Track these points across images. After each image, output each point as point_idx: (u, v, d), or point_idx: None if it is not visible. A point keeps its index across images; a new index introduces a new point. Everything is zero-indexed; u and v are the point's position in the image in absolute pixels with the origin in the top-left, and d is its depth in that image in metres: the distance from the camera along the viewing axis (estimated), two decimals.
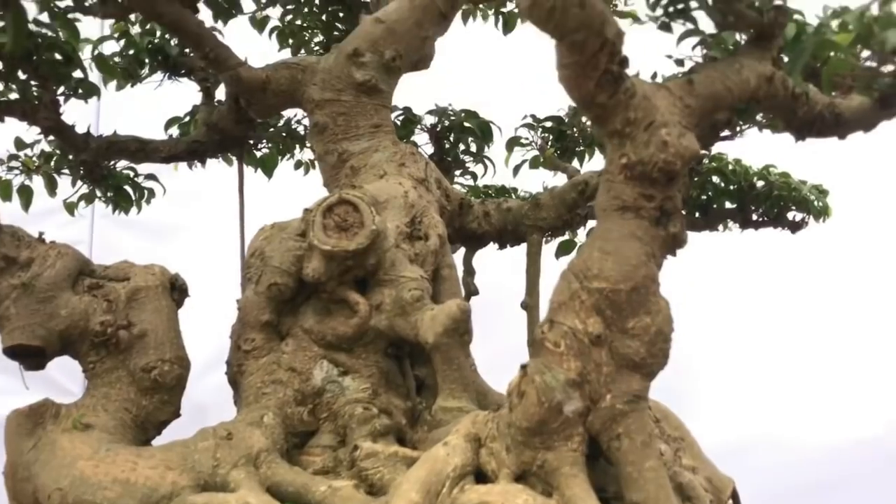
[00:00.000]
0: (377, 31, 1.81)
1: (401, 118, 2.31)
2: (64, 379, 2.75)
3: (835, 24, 1.06)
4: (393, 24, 1.82)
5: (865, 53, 1.14)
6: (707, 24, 1.40)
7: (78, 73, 1.88)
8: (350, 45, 1.80)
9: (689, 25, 1.37)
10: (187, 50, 2.18)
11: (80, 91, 1.91)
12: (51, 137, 2.01)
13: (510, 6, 2.61)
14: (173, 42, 2.16)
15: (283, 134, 2.44)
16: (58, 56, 1.80)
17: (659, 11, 1.33)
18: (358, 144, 1.80)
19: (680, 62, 1.64)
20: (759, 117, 2.04)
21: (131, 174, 2.23)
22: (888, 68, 1.03)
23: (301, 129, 2.46)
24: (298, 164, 2.54)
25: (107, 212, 2.43)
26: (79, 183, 2.17)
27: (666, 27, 1.36)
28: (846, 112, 1.25)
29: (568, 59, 1.05)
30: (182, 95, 2.36)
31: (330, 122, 1.80)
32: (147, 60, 2.18)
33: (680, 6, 1.30)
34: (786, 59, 1.23)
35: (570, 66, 1.06)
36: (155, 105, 2.48)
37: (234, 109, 1.95)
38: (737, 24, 1.23)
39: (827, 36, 1.16)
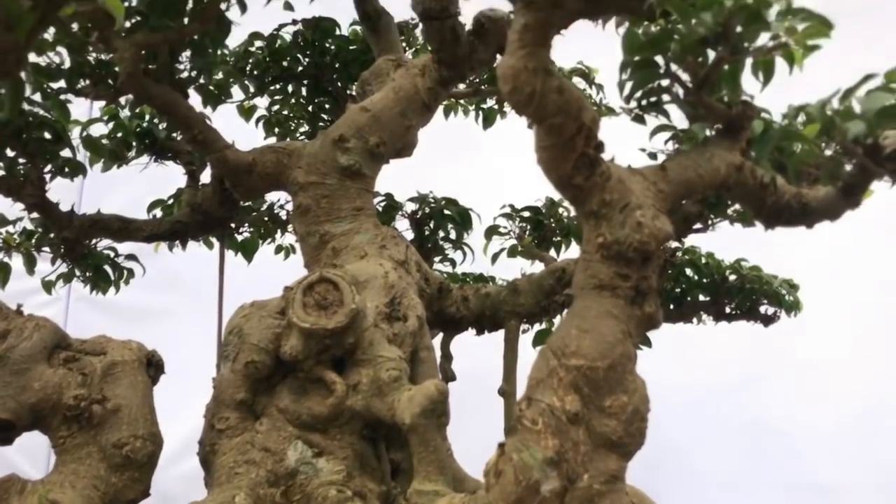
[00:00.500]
0: (363, 118, 1.88)
1: (383, 204, 2.36)
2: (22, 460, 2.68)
3: (800, 118, 1.12)
4: (378, 113, 1.89)
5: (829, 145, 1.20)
6: (679, 117, 1.47)
7: (66, 152, 1.92)
8: (336, 131, 1.86)
9: (662, 118, 1.43)
10: (174, 134, 2.23)
11: (66, 170, 1.94)
12: (34, 214, 2.03)
13: (490, 102, 2.72)
14: (161, 125, 2.21)
15: (266, 218, 2.47)
16: (47, 135, 1.84)
17: (633, 104, 1.39)
18: (340, 226, 1.83)
19: (653, 155, 1.71)
20: (729, 211, 2.12)
21: (111, 254, 2.24)
22: (850, 159, 1.08)
23: (283, 214, 2.50)
24: (279, 249, 2.57)
25: (83, 294, 2.43)
26: (58, 261, 2.17)
27: (639, 119, 1.42)
28: (813, 202, 1.30)
29: (546, 142, 1.10)
30: (165, 177, 2.40)
31: (313, 204, 1.83)
32: (134, 143, 2.23)
33: (653, 99, 1.36)
34: (753, 152, 1.29)
35: (548, 149, 1.11)
36: (138, 186, 2.51)
37: (218, 191, 1.98)
38: (707, 116, 1.29)
39: (793, 128, 1.22)
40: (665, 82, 1.32)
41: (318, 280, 1.54)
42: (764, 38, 1.26)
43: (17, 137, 1.78)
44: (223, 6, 1.63)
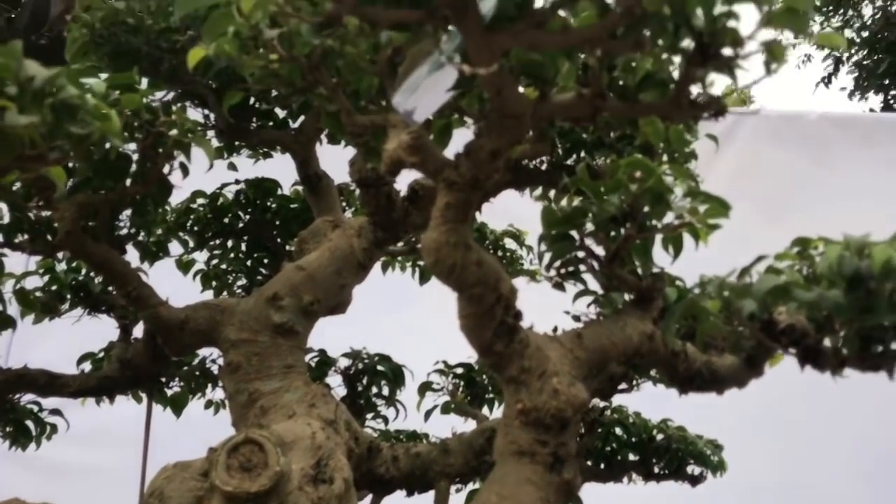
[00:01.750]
0: (297, 277, 1.92)
1: (315, 360, 2.37)
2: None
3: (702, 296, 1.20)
4: (313, 272, 1.94)
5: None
6: (596, 284, 1.55)
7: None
8: (270, 289, 1.90)
9: (580, 286, 1.52)
10: (109, 287, 2.24)
11: None
12: None
13: None
14: (97, 279, 2.23)
15: (197, 373, 2.45)
16: None
17: (552, 272, 1.47)
18: (269, 384, 1.83)
19: (577, 318, 1.78)
20: (652, 372, 2.19)
21: (34, 408, 2.19)
22: (749, 332, 1.16)
23: (215, 369, 2.49)
24: (209, 404, 2.53)
25: (2, 449, 2.34)
26: None
27: (560, 286, 1.50)
28: (721, 369, 1.37)
29: (468, 311, 1.16)
30: (94, 330, 2.38)
31: (244, 362, 1.84)
32: (68, 295, 2.23)
33: (571, 268, 1.45)
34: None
35: (469, 317, 1.17)
36: (66, 338, 2.49)
37: (150, 346, 1.98)
38: (620, 286, 1.38)
39: (700, 301, 1.31)
40: (581, 254, 1.41)
41: (243, 441, 1.53)
42: (671, 216, 1.37)
43: None
44: (166, 169, 1.69)
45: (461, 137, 1.32)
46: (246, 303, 1.92)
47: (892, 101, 11.44)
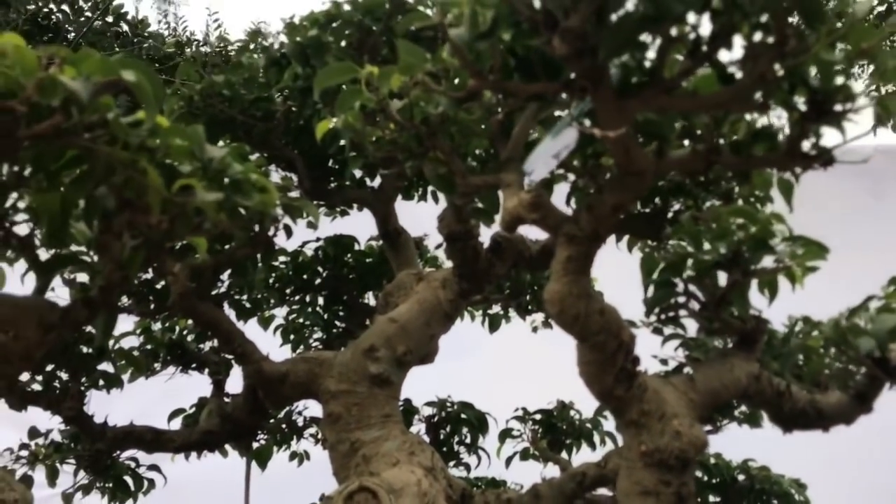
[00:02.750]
0: (391, 329, 2.00)
1: (400, 408, 2.43)
2: None
3: (815, 332, 1.25)
4: (405, 323, 2.01)
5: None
6: (693, 327, 1.60)
7: (104, 366, 2.00)
8: (366, 341, 1.97)
9: (679, 330, 1.57)
10: (200, 345, 2.34)
11: (101, 382, 2.02)
12: (61, 426, 2.08)
13: (496, 308, 2.87)
14: (189, 337, 2.32)
15: (283, 425, 2.52)
16: (88, 349, 1.94)
17: (652, 318, 1.53)
18: (370, 434, 1.89)
19: (664, 361, 1.83)
20: (736, 412, 2.22)
21: (132, 464, 2.26)
22: (861, 369, 1.21)
23: (300, 421, 2.56)
24: (294, 456, 2.60)
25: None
26: (80, 473, 2.19)
27: (658, 331, 1.56)
28: (826, 407, 1.41)
29: (589, 357, 1.22)
30: (170, 385, 2.46)
31: (344, 412, 1.90)
32: (161, 353, 2.32)
33: (671, 314, 1.50)
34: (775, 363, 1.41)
35: (591, 363, 1.23)
36: (144, 394, 2.57)
37: (249, 400, 2.05)
38: (724, 330, 1.43)
39: (807, 341, 1.36)
40: (682, 299, 1.47)
41: (357, 489, 1.59)
42: (768, 260, 1.43)
43: (63, 353, 1.87)
44: (271, 232, 1.78)
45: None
46: (343, 355, 1.99)
47: None
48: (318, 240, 2.61)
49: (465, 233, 1.95)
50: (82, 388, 1.95)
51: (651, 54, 1.00)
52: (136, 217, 1.02)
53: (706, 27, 0.97)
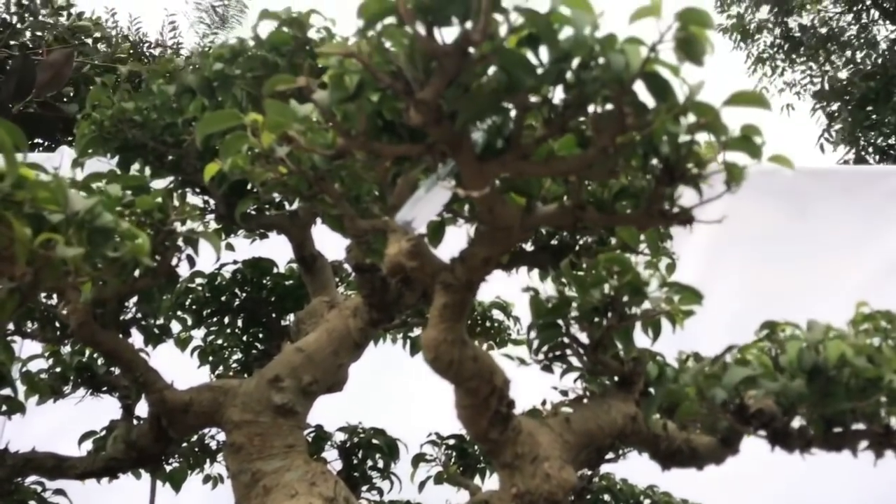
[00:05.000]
0: (297, 359, 2.01)
1: (312, 435, 2.45)
2: None
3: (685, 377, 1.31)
4: (312, 353, 2.03)
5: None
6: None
7: (6, 391, 1.98)
8: (271, 371, 1.99)
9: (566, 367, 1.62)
10: (111, 368, 2.33)
11: (3, 408, 2.00)
12: None
13: (417, 331, 2.90)
14: (100, 361, 2.31)
15: (196, 449, 2.52)
16: None
17: (541, 356, 1.58)
18: (272, 464, 1.90)
19: (564, 392, 1.89)
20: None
21: (38, 489, 2.24)
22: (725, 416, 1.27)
23: (213, 444, 2.56)
24: (207, 479, 2.60)
25: None
26: None
27: (548, 369, 1.61)
28: (700, 447, 1.47)
29: (464, 402, 1.26)
30: (83, 406, 2.45)
31: (247, 443, 1.92)
32: (71, 377, 2.30)
33: (558, 353, 1.55)
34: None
35: (466, 408, 1.27)
36: (56, 415, 2.55)
37: (154, 428, 2.05)
38: (603, 371, 1.49)
39: (678, 386, 1.42)
40: (567, 339, 1.52)
41: None
42: (647, 304, 1.48)
43: None
44: (174, 261, 1.79)
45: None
46: (248, 384, 2.00)
47: (863, 154, 11.78)
48: (235, 262, 2.61)
49: (371, 264, 1.98)
50: None
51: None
52: (3, 267, 1.03)
53: (561, 95, 1.02)
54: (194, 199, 2.39)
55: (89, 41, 10.68)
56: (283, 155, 1.29)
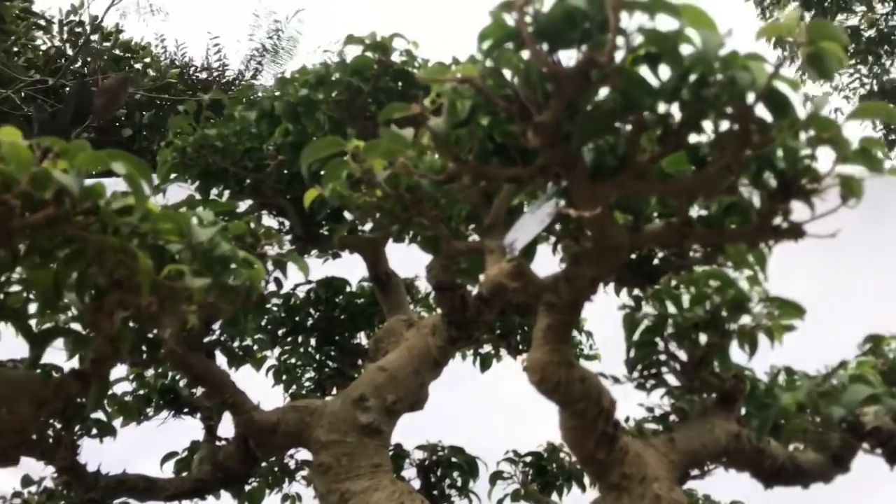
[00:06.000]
0: (380, 378, 2.02)
1: (391, 454, 2.45)
2: None
3: (788, 397, 1.29)
4: (394, 372, 2.03)
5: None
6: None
7: (97, 414, 2.03)
8: (356, 390, 2.00)
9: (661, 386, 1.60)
10: (193, 390, 2.37)
11: (94, 431, 2.05)
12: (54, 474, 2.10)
13: (487, 348, 2.90)
14: (182, 382, 2.35)
15: (275, 469, 2.54)
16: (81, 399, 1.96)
17: (635, 374, 1.56)
18: (359, 484, 1.91)
19: (651, 409, 1.86)
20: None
21: None
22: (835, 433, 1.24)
23: (292, 464, 2.58)
24: (286, 498, 2.62)
25: None
26: None
27: (642, 387, 1.59)
28: (805, 464, 1.44)
29: (571, 423, 1.25)
30: (156, 427, 2.48)
31: (334, 463, 1.93)
32: (154, 398, 2.35)
33: (653, 371, 1.54)
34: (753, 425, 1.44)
35: (572, 429, 1.26)
36: (130, 435, 2.59)
37: (241, 449, 2.07)
38: (703, 388, 1.46)
39: (783, 401, 1.39)
40: (663, 357, 1.50)
41: None
42: (746, 318, 1.46)
43: None
44: (262, 283, 1.81)
45: None
46: (333, 405, 2.01)
47: None
48: (309, 282, 2.64)
49: (453, 283, 1.98)
50: (75, 438, 1.97)
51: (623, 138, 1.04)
52: (126, 297, 1.05)
53: (677, 113, 1.01)
54: (270, 222, 2.43)
55: (138, 66, 10.97)
56: (382, 179, 1.30)
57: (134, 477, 2.08)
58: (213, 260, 1.06)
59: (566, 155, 0.99)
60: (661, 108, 0.99)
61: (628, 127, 1.01)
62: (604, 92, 0.97)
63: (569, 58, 0.95)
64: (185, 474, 2.21)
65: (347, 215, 2.52)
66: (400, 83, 1.80)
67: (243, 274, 1.09)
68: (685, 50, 0.93)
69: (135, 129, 10.22)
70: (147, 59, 11.29)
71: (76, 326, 1.28)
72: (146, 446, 2.57)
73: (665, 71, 0.95)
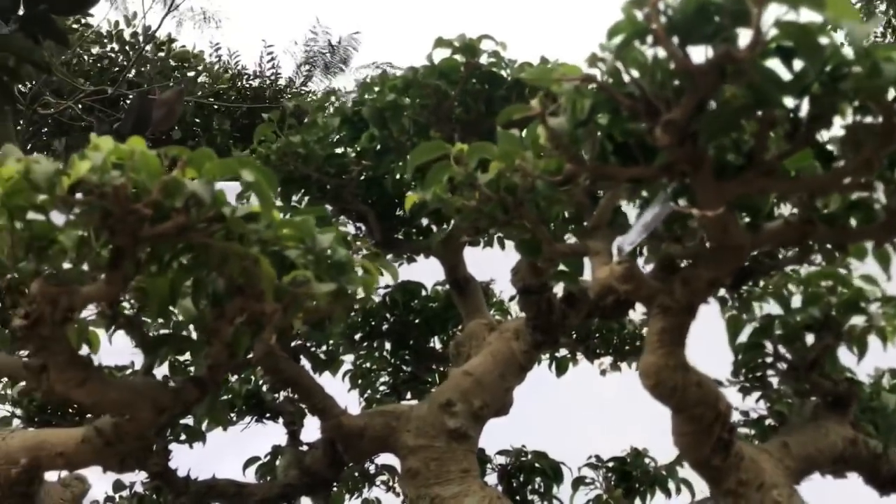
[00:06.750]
0: (466, 383, 2.01)
1: None
2: None
3: None
4: (480, 377, 2.02)
5: None
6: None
7: (186, 420, 2.06)
8: (443, 395, 1.99)
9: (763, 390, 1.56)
10: (275, 395, 2.39)
11: (183, 437, 2.08)
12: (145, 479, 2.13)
13: (563, 352, 2.87)
14: (264, 388, 2.37)
15: (356, 473, 2.55)
16: None
17: (740, 377, 1.52)
18: (449, 489, 1.90)
19: (745, 414, 1.82)
20: None
21: None
22: None
23: (372, 468, 2.58)
24: (365, 502, 2.62)
25: None
26: None
27: (746, 390, 1.55)
28: None
29: (686, 429, 1.22)
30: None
31: (423, 468, 1.92)
32: (238, 404, 2.37)
33: (758, 374, 1.49)
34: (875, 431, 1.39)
35: (687, 434, 1.23)
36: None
37: (328, 454, 2.08)
38: (812, 391, 1.42)
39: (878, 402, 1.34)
40: (770, 359, 1.46)
41: None
42: (858, 319, 1.41)
43: None
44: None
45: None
46: (419, 409, 2.01)
47: None
48: (386, 286, 2.64)
49: (540, 286, 1.96)
50: (168, 446, 2.00)
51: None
52: (248, 304, 1.06)
53: (805, 109, 0.98)
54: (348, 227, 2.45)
55: (191, 74, 11.18)
56: (483, 182, 1.29)
57: (224, 482, 2.10)
58: (331, 266, 1.06)
59: (693, 153, 0.97)
60: (789, 103, 0.96)
61: (753, 123, 0.98)
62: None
63: (696, 54, 0.92)
64: (270, 479, 2.22)
65: (424, 220, 2.53)
66: (486, 85, 1.78)
67: (357, 279, 1.09)
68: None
69: (185, 133, 10.43)
70: (200, 68, 11.49)
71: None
72: (218, 452, 2.59)
73: (797, 65, 0.92)
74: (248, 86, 11.74)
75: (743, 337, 1.47)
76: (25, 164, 0.87)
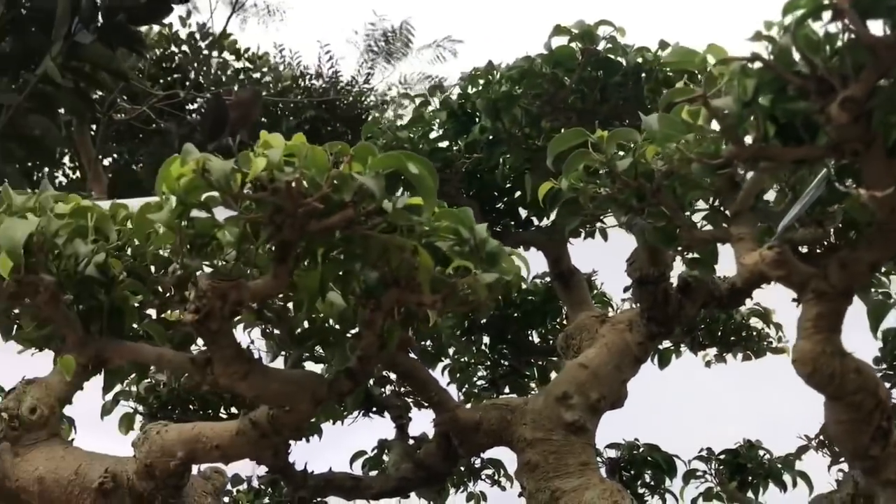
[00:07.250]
0: (582, 375, 1.99)
1: None
2: None
3: None
4: (596, 369, 2.00)
5: None
6: None
7: None
8: (559, 388, 1.97)
9: None
10: (383, 390, 2.41)
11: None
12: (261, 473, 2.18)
13: (666, 343, 2.81)
14: (370, 382, 2.39)
15: (461, 467, 2.55)
16: None
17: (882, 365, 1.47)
18: (569, 482, 1.88)
19: None
20: None
21: None
22: None
23: (477, 462, 2.59)
24: (471, 497, 2.63)
25: None
26: None
27: (891, 378, 1.49)
28: None
29: (844, 417, 1.18)
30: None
31: (541, 461, 1.91)
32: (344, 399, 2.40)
33: None
34: None
35: (845, 423, 1.19)
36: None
37: (443, 447, 2.09)
38: None
39: None
40: None
41: None
42: None
43: None
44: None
45: None
46: (535, 402, 1.99)
47: None
48: None
49: (657, 276, 1.93)
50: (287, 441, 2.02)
51: None
52: (404, 295, 1.06)
53: None
54: None
55: (257, 75, 11.35)
56: (622, 169, 1.27)
57: (341, 475, 2.13)
58: (487, 257, 1.05)
59: (866, 131, 0.93)
60: None
61: None
62: None
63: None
64: (382, 473, 2.24)
65: (523, 212, 2.51)
66: (601, 72, 1.76)
67: (510, 269, 1.08)
68: None
69: (251, 133, 10.59)
70: (265, 69, 11.65)
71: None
72: (316, 447, 2.62)
73: None
74: (310, 85, 11.84)
75: (888, 322, 1.41)
76: (202, 162, 0.89)
